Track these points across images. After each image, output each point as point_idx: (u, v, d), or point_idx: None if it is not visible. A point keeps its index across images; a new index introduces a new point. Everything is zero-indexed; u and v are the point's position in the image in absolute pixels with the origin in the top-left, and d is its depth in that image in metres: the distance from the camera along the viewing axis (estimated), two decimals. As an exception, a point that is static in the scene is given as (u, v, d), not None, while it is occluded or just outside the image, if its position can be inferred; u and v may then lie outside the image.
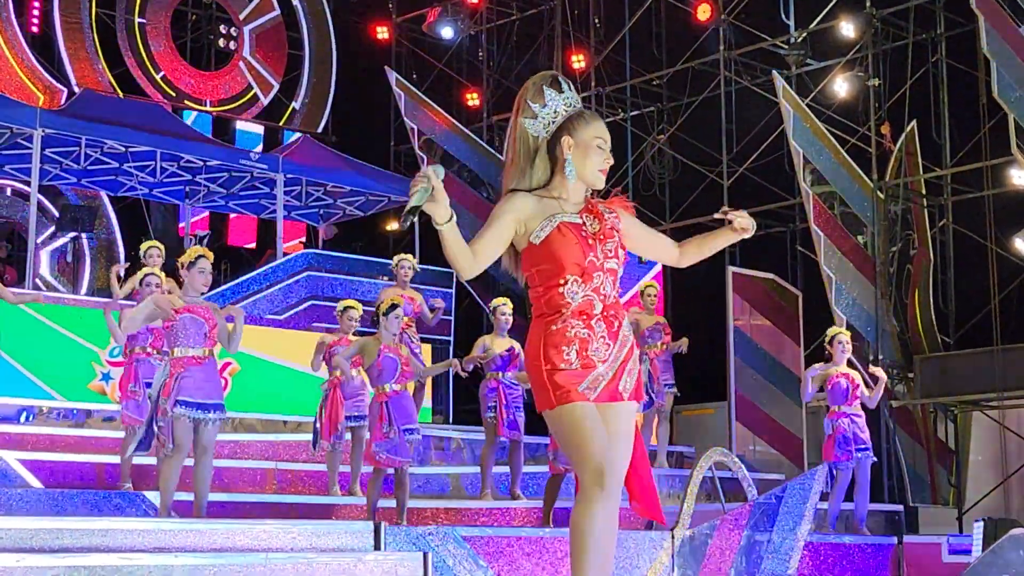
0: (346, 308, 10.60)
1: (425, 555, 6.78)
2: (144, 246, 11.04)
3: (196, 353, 8.16)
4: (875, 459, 11.45)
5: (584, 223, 4.45)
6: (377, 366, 9.43)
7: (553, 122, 4.49)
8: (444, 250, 4.33)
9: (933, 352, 14.95)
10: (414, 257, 12.78)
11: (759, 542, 9.61)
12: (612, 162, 4.55)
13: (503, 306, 10.91)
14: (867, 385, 11.52)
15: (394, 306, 9.68)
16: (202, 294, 8.39)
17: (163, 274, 9.88)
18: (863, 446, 11.15)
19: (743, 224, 4.58)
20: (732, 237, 4.68)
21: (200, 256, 8.33)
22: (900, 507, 13.81)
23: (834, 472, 11.21)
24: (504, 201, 4.46)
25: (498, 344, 10.83)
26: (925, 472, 14.73)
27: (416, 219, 4.28)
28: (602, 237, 4.46)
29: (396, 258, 12.50)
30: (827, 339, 11.44)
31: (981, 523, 10.42)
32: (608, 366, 4.42)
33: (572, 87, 4.56)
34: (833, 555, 10.78)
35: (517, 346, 10.76)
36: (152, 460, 9.44)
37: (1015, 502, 15.20)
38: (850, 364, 11.44)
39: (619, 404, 4.45)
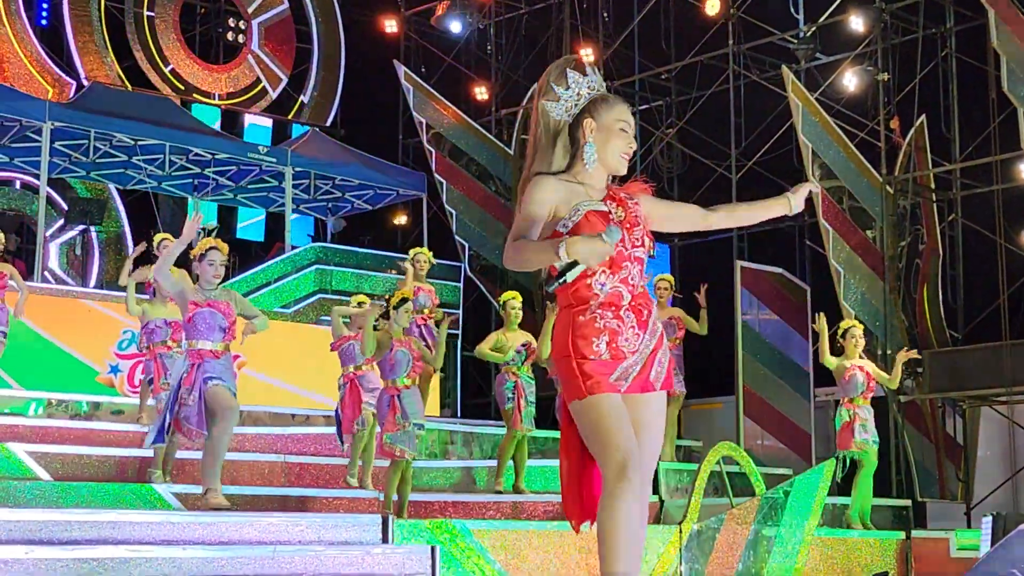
0: (359, 303, 10.68)
1: (433, 548, 6.77)
2: (157, 238, 11.07)
3: (214, 347, 8.16)
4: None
5: (610, 211, 4.36)
6: (390, 360, 9.44)
7: (576, 105, 4.38)
8: (529, 263, 4.21)
9: (942, 347, 14.93)
10: (401, 252, 12.87)
11: (767, 536, 9.61)
12: (635, 146, 4.44)
13: (513, 300, 10.94)
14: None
15: (404, 300, 9.69)
16: (215, 286, 8.36)
17: (176, 268, 9.90)
18: (875, 438, 11.29)
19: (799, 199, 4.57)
20: (778, 209, 4.59)
21: (211, 248, 8.33)
22: (908, 502, 13.81)
23: (855, 460, 11.27)
24: (533, 188, 4.31)
25: (512, 338, 10.84)
26: (933, 467, 14.71)
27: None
28: (628, 225, 4.36)
29: (412, 251, 12.62)
30: (840, 332, 11.53)
31: (990, 518, 10.40)
32: (638, 356, 4.32)
33: (597, 71, 4.46)
34: (841, 549, 10.78)
35: (532, 340, 10.79)
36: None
37: None
38: (861, 357, 11.55)
39: (650, 395, 4.36)
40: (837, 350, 11.53)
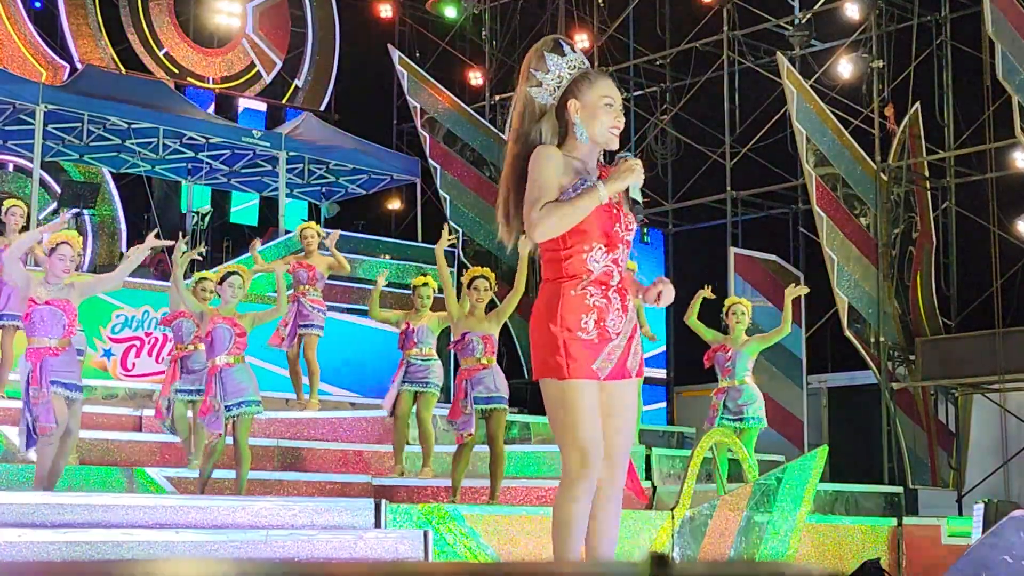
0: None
1: (425, 533, 6.79)
2: (7, 204, 10.59)
3: (53, 344, 8.03)
4: (764, 425, 10.69)
5: None
6: (207, 336, 8.95)
7: (559, 87, 4.38)
8: (571, 218, 4.24)
9: (934, 335, 14.94)
10: (395, 237, 12.77)
11: (759, 523, 9.63)
12: (623, 120, 4.43)
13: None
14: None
15: (228, 274, 9.15)
16: (62, 282, 8.18)
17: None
18: (732, 418, 10.58)
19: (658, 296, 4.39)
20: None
21: (61, 242, 8.10)
22: (900, 489, 13.84)
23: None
24: (541, 156, 4.30)
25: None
26: (925, 454, 14.74)
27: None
28: (623, 208, 4.39)
29: (300, 227, 12.61)
30: (724, 310, 10.76)
31: (981, 505, 10.43)
32: (620, 339, 4.36)
33: (575, 48, 4.45)
34: (832, 536, 10.80)
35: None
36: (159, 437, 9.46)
37: (1015, 485, 15.22)
38: (748, 333, 10.76)
39: (626, 381, 4.40)
40: (723, 329, 10.74)
